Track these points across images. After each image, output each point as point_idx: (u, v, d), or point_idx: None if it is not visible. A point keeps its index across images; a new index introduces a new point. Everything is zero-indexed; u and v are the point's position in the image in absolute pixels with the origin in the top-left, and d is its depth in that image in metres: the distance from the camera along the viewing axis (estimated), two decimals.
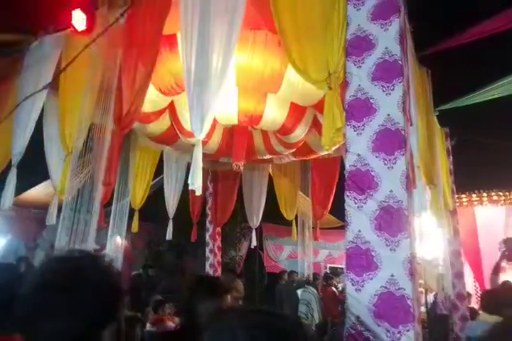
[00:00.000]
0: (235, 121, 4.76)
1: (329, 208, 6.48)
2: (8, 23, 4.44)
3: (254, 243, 7.08)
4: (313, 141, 5.14)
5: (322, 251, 9.67)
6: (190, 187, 2.59)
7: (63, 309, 0.83)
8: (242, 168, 5.26)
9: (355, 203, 1.78)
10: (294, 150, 5.42)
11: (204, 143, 3.65)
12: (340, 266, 9.60)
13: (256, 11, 3.07)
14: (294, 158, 5.99)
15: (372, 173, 1.77)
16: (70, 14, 3.70)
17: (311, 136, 5.01)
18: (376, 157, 1.79)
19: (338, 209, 7.01)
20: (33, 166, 4.13)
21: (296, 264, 7.82)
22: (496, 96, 4.22)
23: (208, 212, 7.48)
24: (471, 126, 5.42)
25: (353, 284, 1.71)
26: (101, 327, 0.86)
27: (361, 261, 1.70)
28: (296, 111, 4.60)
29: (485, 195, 7.19)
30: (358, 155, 1.82)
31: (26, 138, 3.71)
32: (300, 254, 7.38)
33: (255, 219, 6.95)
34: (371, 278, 1.67)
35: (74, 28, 3.70)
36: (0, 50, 4.59)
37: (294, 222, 6.79)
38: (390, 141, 1.77)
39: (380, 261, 1.67)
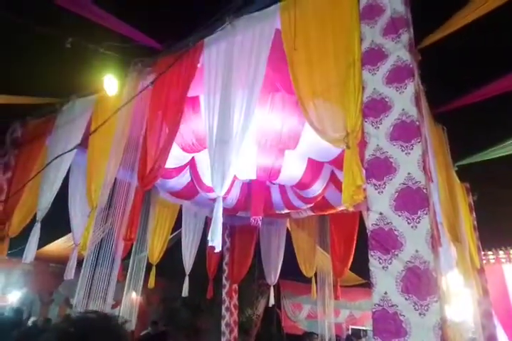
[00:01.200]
0: (254, 177, 4.85)
1: (349, 265, 6.25)
2: (43, 86, 4.84)
3: (272, 301, 6.78)
4: (331, 195, 5.15)
5: (343, 311, 9.11)
6: (209, 244, 2.59)
7: None
8: (260, 222, 5.25)
9: (380, 263, 1.74)
10: (312, 204, 5.41)
11: (223, 198, 3.71)
12: (363, 328, 9.00)
13: (274, 75, 3.28)
14: (312, 213, 5.96)
15: (396, 232, 1.76)
16: (102, 80, 4.03)
17: (329, 190, 5.02)
18: (399, 216, 1.78)
19: (359, 266, 6.79)
20: (53, 221, 4.21)
21: (316, 325, 7.37)
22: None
23: (225, 267, 7.31)
24: (492, 180, 5.36)
25: None
26: None
27: (389, 326, 1.61)
28: (314, 167, 4.68)
29: None
30: (381, 213, 1.82)
31: (52, 194, 3.85)
32: (320, 314, 6.98)
33: (273, 276, 6.73)
34: None
35: (105, 92, 4.00)
36: (35, 112, 4.96)
37: (313, 279, 6.53)
38: (412, 200, 1.77)
39: (410, 327, 1.58)
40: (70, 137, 4.03)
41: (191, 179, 5.35)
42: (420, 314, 1.59)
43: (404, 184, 1.82)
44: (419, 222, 1.73)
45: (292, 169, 4.65)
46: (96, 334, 0.91)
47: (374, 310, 1.69)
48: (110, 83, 3.97)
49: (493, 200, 5.55)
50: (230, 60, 3.11)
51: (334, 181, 4.85)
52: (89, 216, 3.34)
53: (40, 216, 3.87)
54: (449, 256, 3.00)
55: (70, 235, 7.30)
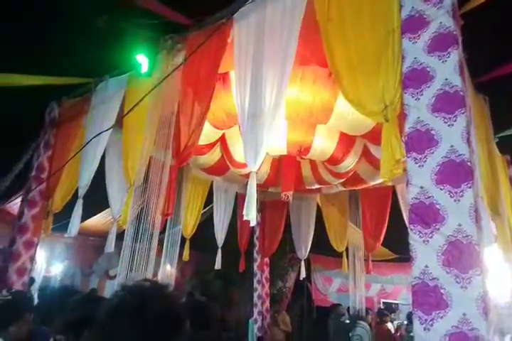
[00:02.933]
0: (284, 152, 4.84)
1: (382, 240, 6.24)
2: (77, 66, 4.93)
3: (303, 275, 6.91)
4: (364, 170, 5.08)
5: (374, 285, 9.18)
6: (244, 218, 2.64)
7: (129, 333, 0.89)
8: (290, 197, 5.28)
9: (421, 237, 1.73)
10: (343, 179, 5.37)
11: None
12: (395, 302, 9.06)
13: (305, 47, 3.19)
14: (343, 188, 5.92)
15: (438, 206, 1.73)
16: (134, 59, 4.05)
17: (361, 165, 4.95)
18: (441, 189, 1.74)
19: (391, 241, 6.76)
20: (91, 197, 4.40)
21: (347, 298, 7.48)
22: None
23: (256, 241, 7.46)
24: None
25: (421, 323, 1.63)
26: None
27: (429, 298, 1.62)
28: (346, 141, 4.61)
29: None
30: (421, 187, 1.79)
31: (92, 171, 4.00)
32: (351, 288, 7.07)
33: (304, 250, 6.83)
34: (441, 317, 1.59)
35: (136, 71, 4.03)
36: (70, 92, 5.09)
37: (344, 253, 6.58)
38: (455, 173, 1.73)
39: (451, 300, 1.59)
40: (105, 116, 4.13)
41: (222, 155, 5.41)
42: (462, 287, 1.58)
43: (446, 157, 1.77)
44: (462, 196, 1.69)
45: (323, 144, 4.60)
46: (153, 300, 0.96)
47: (414, 283, 1.70)
48: (141, 61, 4.00)
49: None
50: (261, 34, 3.04)
51: (367, 155, 4.77)
52: (127, 192, 3.46)
53: (81, 193, 4.05)
54: (488, 230, 2.94)
55: (107, 210, 7.63)
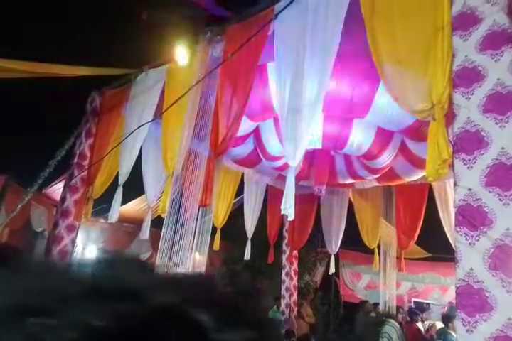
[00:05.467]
0: (319, 146, 4.81)
1: (416, 238, 6.13)
2: (117, 58, 5.07)
3: (332, 269, 6.91)
4: (400, 166, 4.99)
5: (404, 283, 9.04)
6: (282, 212, 2.67)
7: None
8: (323, 192, 5.26)
9: (467, 239, 1.70)
10: (378, 175, 5.29)
11: (286, 166, 3.75)
12: (426, 301, 8.91)
13: (346, 39, 3.14)
14: (377, 184, 5.84)
15: (486, 209, 1.69)
16: (173, 49, 4.12)
17: (397, 161, 4.86)
18: (490, 192, 1.70)
19: (424, 239, 6.64)
20: (126, 184, 4.54)
21: (376, 295, 7.44)
22: None
23: (285, 234, 7.51)
24: None
25: (463, 324, 1.62)
26: None
27: (474, 300, 1.61)
28: (383, 136, 4.53)
29: None
30: (469, 189, 1.75)
31: (132, 160, 4.14)
32: (381, 285, 7.01)
33: (334, 245, 6.81)
34: (485, 320, 1.57)
35: (176, 62, 4.10)
36: (111, 82, 5.25)
37: (376, 250, 6.52)
38: (505, 177, 1.68)
39: (496, 303, 1.57)
40: (145, 107, 4.23)
41: (255, 147, 5.44)
42: (508, 291, 1.56)
43: (497, 159, 1.72)
44: (511, 200, 1.65)
45: (360, 138, 4.54)
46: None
47: (458, 285, 1.68)
48: (181, 53, 4.06)
49: None
50: (303, 26, 3.01)
51: (404, 151, 4.67)
52: (166, 181, 3.56)
53: (121, 180, 4.20)
54: None
55: (141, 197, 7.87)
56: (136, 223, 8.20)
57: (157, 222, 4.53)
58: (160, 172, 4.24)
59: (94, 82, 5.32)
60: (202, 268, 6.26)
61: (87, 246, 9.85)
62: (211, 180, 3.28)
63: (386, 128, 4.42)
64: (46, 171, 4.97)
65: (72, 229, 4.76)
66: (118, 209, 4.01)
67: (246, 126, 4.78)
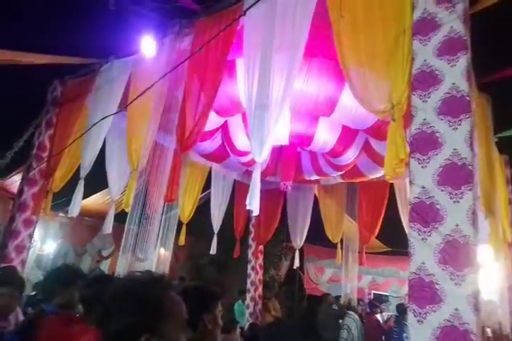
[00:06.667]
0: (286, 142, 4.86)
1: (376, 233, 6.35)
2: (80, 46, 4.89)
3: (297, 264, 7.04)
4: (364, 164, 5.15)
5: (365, 277, 9.37)
6: (247, 207, 2.69)
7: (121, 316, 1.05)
8: (289, 187, 5.34)
9: (419, 235, 1.80)
10: (342, 172, 5.43)
11: (253, 162, 3.78)
12: (385, 294, 9.28)
13: (313, 39, 3.19)
14: (341, 180, 6.00)
15: (438, 206, 1.79)
16: (140, 40, 4.03)
17: (361, 159, 5.01)
18: (442, 190, 1.81)
19: (384, 234, 6.89)
20: (88, 177, 4.42)
21: (338, 288, 7.66)
22: None
23: (252, 229, 7.57)
24: None
25: (415, 315, 1.72)
26: None
27: (424, 293, 1.71)
28: (348, 135, 4.65)
29: None
30: (423, 187, 1.85)
31: (95, 152, 4.02)
32: (343, 278, 7.23)
33: (299, 240, 6.94)
34: (434, 311, 1.68)
35: (142, 53, 4.01)
36: (73, 71, 5.06)
37: (339, 244, 6.70)
38: (456, 176, 1.79)
39: (444, 295, 1.67)
40: (109, 98, 4.12)
41: (222, 142, 5.43)
42: (456, 284, 1.67)
43: (449, 159, 1.83)
44: (461, 198, 1.76)
45: (326, 136, 4.64)
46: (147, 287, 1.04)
47: (410, 278, 1.78)
48: (148, 44, 3.98)
49: None
50: (272, 22, 3.02)
51: (367, 149, 4.82)
52: (130, 176, 3.50)
53: (83, 174, 4.08)
54: (482, 229, 3.03)
55: (104, 191, 7.67)
56: (98, 217, 7.98)
57: (121, 217, 4.43)
58: (124, 166, 4.14)
59: (56, 70, 5.12)
60: (166, 263, 6.21)
61: (44, 241, 9.51)
62: (177, 174, 3.25)
63: (351, 127, 4.54)
64: (3, 162, 4.75)
65: (29, 223, 4.58)
66: (79, 203, 3.90)
67: (214, 121, 4.77)
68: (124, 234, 3.19)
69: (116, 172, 4.53)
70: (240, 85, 3.90)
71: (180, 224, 6.20)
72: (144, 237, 3.49)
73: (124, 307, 0.95)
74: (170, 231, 6.14)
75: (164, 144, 3.64)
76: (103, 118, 3.46)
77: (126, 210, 3.41)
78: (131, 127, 3.74)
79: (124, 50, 4.51)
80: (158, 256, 6.29)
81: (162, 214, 5.71)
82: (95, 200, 8.13)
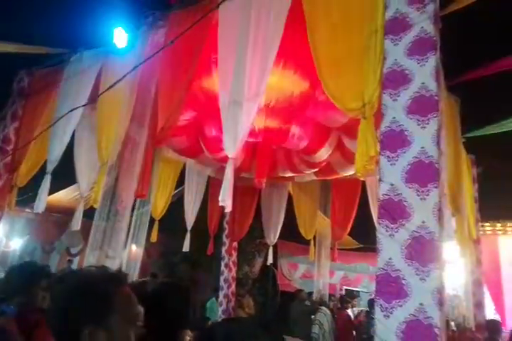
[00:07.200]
0: (260, 139, 4.86)
1: (348, 229, 6.46)
2: (49, 36, 4.72)
3: (270, 260, 7.06)
4: (336, 161, 5.20)
5: (337, 273, 9.54)
6: (220, 204, 2.66)
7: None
8: (264, 184, 5.34)
9: (387, 231, 1.83)
10: (316, 169, 5.47)
11: (227, 158, 3.75)
12: (356, 289, 9.47)
13: (289, 36, 3.19)
14: (315, 177, 6.04)
15: (405, 203, 1.83)
16: (112, 32, 3.92)
17: (334, 157, 5.06)
18: (409, 188, 1.84)
19: (357, 231, 7.01)
20: (57, 172, 4.28)
21: (311, 284, 7.75)
22: None
23: (226, 225, 7.53)
24: (498, 155, 5.40)
25: (381, 310, 1.75)
26: None
27: (391, 288, 1.74)
28: (322, 132, 4.68)
29: (510, 224, 7.08)
30: (392, 184, 1.88)
31: (63, 146, 3.89)
32: (315, 274, 7.32)
33: (272, 236, 6.95)
34: (400, 306, 1.71)
35: (114, 45, 3.91)
36: (41, 62, 4.87)
37: (312, 241, 6.77)
38: (423, 174, 1.83)
39: (410, 290, 1.71)
40: (79, 90, 3.98)
41: (197, 138, 5.36)
42: (421, 279, 1.71)
43: (417, 157, 1.86)
44: (428, 195, 1.80)
45: (300, 133, 4.65)
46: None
47: (378, 273, 1.81)
48: (120, 36, 3.87)
49: (497, 174, 5.62)
50: (248, 17, 2.99)
51: (340, 147, 4.87)
52: (99, 170, 3.40)
53: (50, 168, 3.94)
54: (448, 226, 3.12)
55: (73, 187, 7.45)
56: (66, 213, 7.75)
57: (91, 213, 4.31)
58: (94, 160, 4.01)
59: (24, 60, 4.92)
60: (138, 259, 6.11)
61: (10, 238, 9.17)
62: (149, 169, 3.18)
63: (325, 125, 4.57)
64: None
65: None
66: (45, 199, 3.76)
67: (188, 115, 4.70)
68: (92, 231, 3.10)
69: (85, 167, 4.39)
70: (215, 80, 3.86)
71: (153, 220, 6.10)
72: (113, 234, 3.40)
73: (71, 299, 0.96)
74: (142, 227, 6.04)
75: (136, 138, 3.55)
76: (71, 111, 3.34)
77: (95, 206, 3.32)
78: (101, 121, 3.63)
79: (95, 40, 4.38)
80: (129, 253, 6.18)
81: (134, 211, 5.62)
82: (64, 196, 7.90)
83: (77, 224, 4.00)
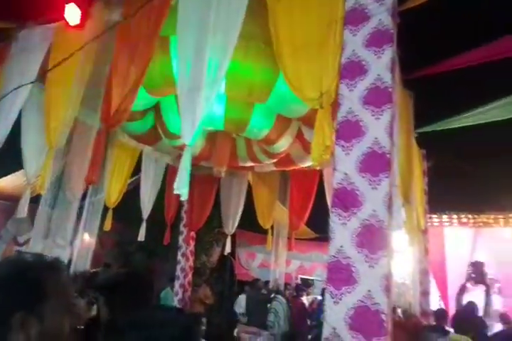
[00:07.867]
0: (221, 127, 4.79)
1: (305, 220, 6.57)
2: None
3: (228, 250, 7.07)
4: (295, 152, 5.24)
5: (294, 262, 9.72)
6: (175, 192, 2.59)
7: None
8: (223, 173, 5.29)
9: (340, 220, 1.86)
10: (275, 160, 5.49)
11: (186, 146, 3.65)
12: (311, 278, 9.72)
13: (251, 22, 3.13)
14: (274, 168, 6.07)
15: (357, 192, 1.86)
16: (64, 7, 3.67)
17: (294, 147, 5.10)
18: (362, 177, 1.87)
19: (313, 221, 7.16)
20: (1, 157, 4.01)
21: (268, 273, 7.85)
22: (470, 124, 4.45)
23: (183, 215, 7.43)
24: (448, 150, 5.66)
25: (331, 297, 1.78)
26: None
27: (341, 275, 1.78)
28: (282, 123, 4.68)
29: (455, 216, 7.52)
30: (345, 174, 1.91)
31: (7, 128, 3.62)
32: (272, 263, 7.42)
33: (231, 226, 6.95)
34: (349, 292, 1.75)
35: (66, 21, 3.67)
36: None
37: (269, 230, 6.83)
38: (375, 164, 1.86)
39: (359, 277, 1.76)
40: (26, 67, 3.72)
41: (154, 124, 5.20)
42: (370, 266, 1.75)
43: (370, 148, 1.90)
44: (379, 184, 1.84)
45: (260, 123, 4.63)
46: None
47: (329, 261, 1.84)
48: (73, 12, 3.65)
49: (446, 169, 5.91)
50: (208, 2, 2.91)
51: (300, 138, 4.91)
52: (46, 155, 3.21)
53: None
54: (398, 216, 3.24)
55: (19, 172, 7.02)
56: (12, 200, 7.32)
57: (39, 199, 4.09)
58: (42, 144, 3.79)
59: None
60: (90, 249, 5.90)
61: None
62: (100, 154, 3.04)
63: (285, 115, 4.57)
64: None
65: None
66: None
67: (146, 100, 4.53)
68: (37, 218, 2.92)
69: (32, 152, 4.12)
70: (173, 65, 3.74)
71: (107, 209, 5.89)
72: (61, 222, 3.23)
73: (1, 286, 0.95)
74: (95, 216, 5.82)
75: (87, 122, 3.38)
76: (16, 88, 3.11)
77: (42, 193, 3.13)
78: (50, 101, 3.41)
79: (45, 15, 4.09)
80: (81, 242, 5.95)
81: (85, 198, 5.38)
82: (9, 182, 7.45)
83: (23, 211, 3.78)
